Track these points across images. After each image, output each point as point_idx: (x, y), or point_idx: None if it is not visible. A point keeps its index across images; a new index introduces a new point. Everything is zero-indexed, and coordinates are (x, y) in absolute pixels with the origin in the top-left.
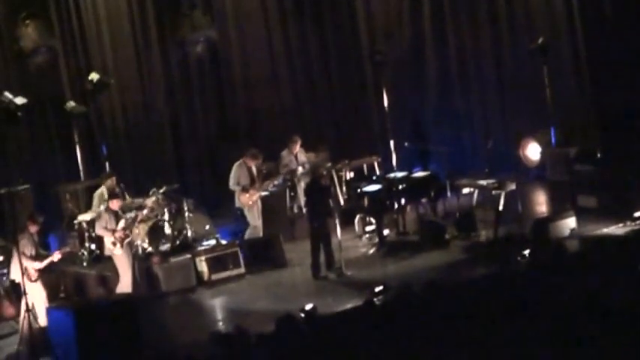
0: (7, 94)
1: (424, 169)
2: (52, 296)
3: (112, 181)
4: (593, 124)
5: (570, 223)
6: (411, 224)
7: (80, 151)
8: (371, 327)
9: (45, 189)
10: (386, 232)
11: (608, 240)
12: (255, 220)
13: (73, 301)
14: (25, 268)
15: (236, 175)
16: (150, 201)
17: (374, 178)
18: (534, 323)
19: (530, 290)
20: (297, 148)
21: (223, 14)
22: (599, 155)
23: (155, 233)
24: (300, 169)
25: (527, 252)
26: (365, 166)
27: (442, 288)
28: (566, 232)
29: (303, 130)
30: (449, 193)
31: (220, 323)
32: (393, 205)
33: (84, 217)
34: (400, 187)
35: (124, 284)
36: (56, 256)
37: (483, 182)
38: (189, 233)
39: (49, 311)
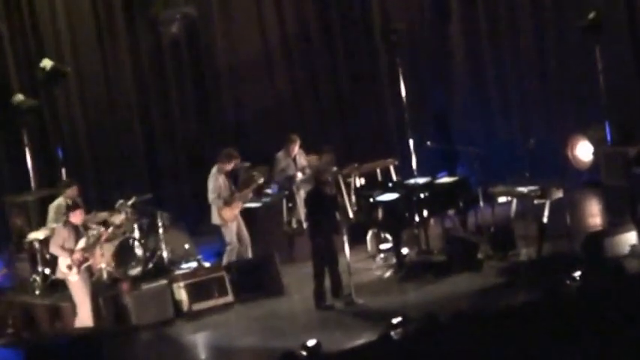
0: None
1: (451, 174)
2: None
3: (72, 191)
4: None
5: (630, 238)
6: (435, 241)
7: (30, 155)
8: None
9: None
10: (405, 250)
11: None
12: (232, 237)
13: (23, 337)
14: None
15: (215, 187)
16: (116, 216)
17: (390, 185)
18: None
19: (581, 320)
20: (296, 149)
21: None
22: None
23: (123, 254)
24: (299, 175)
25: (578, 274)
26: (379, 170)
27: (474, 319)
28: (625, 249)
29: (302, 127)
30: (481, 203)
31: None
32: (414, 217)
33: (36, 235)
34: (422, 195)
35: (83, 317)
36: None
37: (523, 189)
38: (165, 254)
39: None
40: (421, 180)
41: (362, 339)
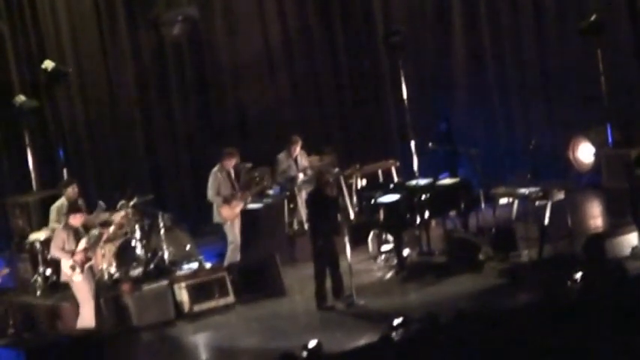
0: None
1: (452, 176)
2: None
3: (72, 191)
4: None
5: (631, 239)
6: (436, 242)
7: (32, 156)
8: None
9: None
10: (406, 252)
11: None
12: (233, 237)
13: (24, 338)
14: None
15: (215, 185)
16: (118, 216)
17: (391, 186)
18: None
19: (583, 322)
20: (298, 150)
21: None
22: None
23: (124, 255)
24: (300, 176)
25: (579, 275)
26: (380, 171)
27: (475, 320)
28: (627, 251)
29: (304, 128)
30: (483, 205)
31: None
32: (415, 219)
33: (37, 236)
34: (423, 197)
35: (85, 317)
36: None
37: (525, 191)
38: (166, 255)
39: None
40: (423, 181)
41: (363, 340)
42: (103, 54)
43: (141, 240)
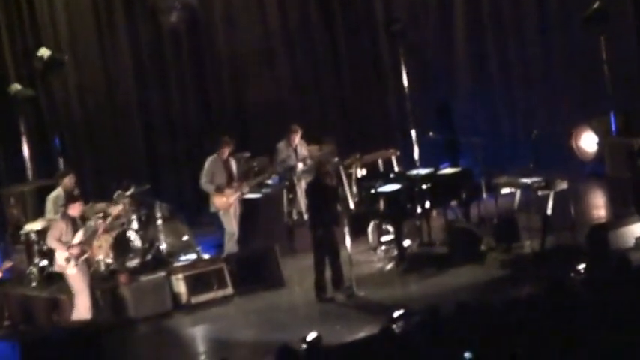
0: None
1: (453, 165)
2: None
3: (69, 181)
4: None
5: (635, 230)
6: (437, 233)
7: (27, 145)
8: None
9: None
10: (407, 242)
11: None
12: (231, 227)
13: (20, 330)
14: None
15: (209, 172)
16: (114, 206)
17: (391, 176)
18: (591, 356)
19: (586, 314)
20: (297, 139)
21: None
22: None
23: (121, 246)
24: (300, 166)
25: (582, 266)
26: (380, 161)
27: (476, 312)
28: (630, 242)
29: (303, 117)
30: (484, 195)
31: (202, 357)
32: (416, 209)
33: (33, 227)
34: (424, 187)
35: (81, 309)
36: None
37: (527, 181)
38: (164, 245)
39: None
40: (423, 171)
41: (363, 332)
42: (99, 42)
43: (138, 231)
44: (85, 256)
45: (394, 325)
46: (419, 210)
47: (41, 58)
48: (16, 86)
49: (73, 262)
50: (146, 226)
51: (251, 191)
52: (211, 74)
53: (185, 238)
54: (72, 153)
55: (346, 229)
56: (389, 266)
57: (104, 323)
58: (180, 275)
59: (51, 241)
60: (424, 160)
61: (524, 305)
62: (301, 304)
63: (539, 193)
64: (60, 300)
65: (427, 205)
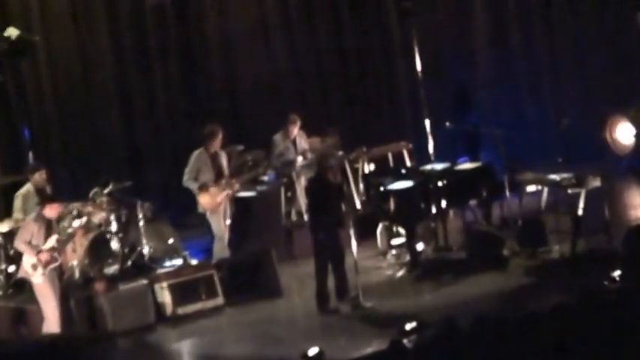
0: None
1: (473, 160)
2: None
3: (40, 176)
4: None
5: None
6: (454, 236)
7: None
8: None
9: None
10: (420, 246)
11: None
12: (221, 229)
13: None
14: None
15: (193, 168)
16: (91, 206)
17: (403, 171)
18: None
19: (621, 327)
20: (296, 130)
21: None
22: None
23: (98, 250)
24: (299, 160)
25: (617, 274)
26: (390, 155)
27: (498, 324)
28: None
29: (303, 106)
30: (507, 193)
31: None
32: (430, 209)
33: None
34: (440, 184)
35: (49, 322)
36: None
37: (555, 177)
38: (146, 250)
39: None
40: (439, 166)
41: (371, 347)
42: (74, 21)
43: (117, 233)
44: (55, 264)
45: (405, 340)
46: (434, 210)
47: (8, 38)
48: None
49: (40, 270)
50: (126, 227)
51: (244, 188)
52: (200, 58)
53: (170, 241)
54: (43, 145)
55: (352, 232)
56: (400, 273)
57: (78, 337)
58: (164, 283)
59: (19, 244)
60: (440, 153)
61: (552, 318)
62: (301, 315)
63: (570, 190)
64: (28, 311)
65: (443, 204)
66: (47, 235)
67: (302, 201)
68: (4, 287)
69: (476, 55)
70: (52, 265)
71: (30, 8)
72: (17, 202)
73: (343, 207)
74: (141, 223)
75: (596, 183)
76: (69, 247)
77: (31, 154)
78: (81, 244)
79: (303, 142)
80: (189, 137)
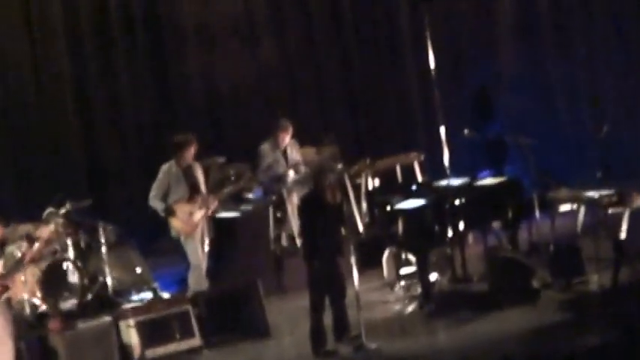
0: None
1: (496, 174)
2: None
3: None
4: None
5: None
6: (475, 264)
7: None
8: None
9: None
10: (434, 276)
11: None
12: (197, 256)
13: None
14: None
15: (162, 184)
16: (44, 229)
17: (413, 188)
18: None
19: None
20: (287, 139)
21: None
22: None
23: (53, 281)
24: (291, 174)
25: None
26: (399, 168)
27: None
28: None
29: (296, 111)
30: (537, 213)
31: None
32: (446, 232)
33: None
34: (457, 202)
35: None
36: None
37: (594, 194)
38: (110, 281)
39: None
40: (456, 181)
41: None
42: (24, 13)
43: (75, 261)
44: (6, 294)
45: None
46: (450, 234)
47: None
48: None
49: None
50: (86, 254)
51: (224, 208)
52: (173, 53)
53: (138, 270)
54: None
55: (353, 260)
56: (410, 309)
57: None
58: (131, 321)
59: None
60: (457, 166)
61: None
62: (293, 359)
63: (610, 210)
64: None
65: (461, 226)
66: None
67: (294, 223)
68: None
69: (500, 50)
70: (4, 296)
71: None
72: None
73: (343, 230)
74: (103, 249)
75: None
76: (18, 278)
77: None
78: (32, 274)
79: (295, 153)
80: (160, 148)
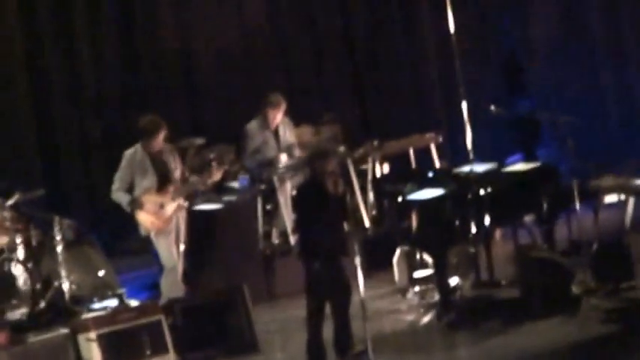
0: None
1: (529, 159)
2: None
3: None
4: None
5: None
6: (503, 266)
7: None
8: None
9: None
10: (454, 280)
11: None
12: (171, 257)
13: None
14: None
15: (127, 173)
16: None
17: (430, 175)
18: None
19: None
20: (279, 117)
21: None
22: None
23: None
24: (283, 159)
25: None
26: (412, 151)
27: None
28: None
29: (290, 83)
30: (578, 205)
31: None
32: (469, 227)
33: None
34: (482, 192)
35: None
36: None
37: None
38: (66, 286)
39: None
40: (481, 167)
41: None
42: None
43: (25, 262)
44: None
45: None
46: (473, 229)
47: None
48: None
49: None
50: (38, 255)
51: (203, 199)
52: (142, 17)
53: (100, 273)
54: None
55: (358, 260)
56: (425, 319)
57: None
58: (92, 334)
59: None
60: (481, 149)
61: None
62: None
63: None
64: None
65: (487, 221)
66: None
67: (287, 217)
68: None
69: (533, 14)
70: None
71: None
72: None
73: (346, 225)
74: (59, 249)
75: None
76: None
77: None
78: None
79: (288, 134)
80: (126, 129)
